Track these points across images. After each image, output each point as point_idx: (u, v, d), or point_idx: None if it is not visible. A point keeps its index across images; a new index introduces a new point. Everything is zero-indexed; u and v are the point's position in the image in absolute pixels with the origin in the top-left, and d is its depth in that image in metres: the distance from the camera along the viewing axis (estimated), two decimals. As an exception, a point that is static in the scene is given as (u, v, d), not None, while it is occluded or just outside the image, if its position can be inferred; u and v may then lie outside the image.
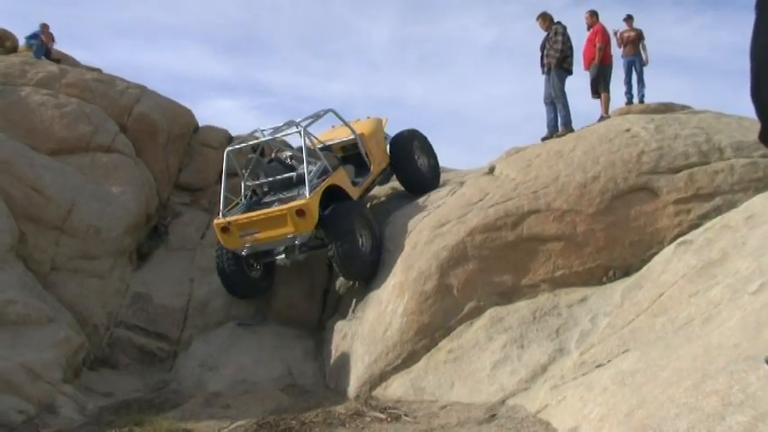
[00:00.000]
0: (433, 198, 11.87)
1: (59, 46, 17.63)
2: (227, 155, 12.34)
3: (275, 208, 11.22)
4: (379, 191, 14.49)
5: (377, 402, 8.83)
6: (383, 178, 14.10)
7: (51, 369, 9.30)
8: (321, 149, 12.19)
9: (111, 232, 12.27)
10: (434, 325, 9.34)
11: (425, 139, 14.18)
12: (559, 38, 13.35)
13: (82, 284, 11.60)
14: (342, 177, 12.08)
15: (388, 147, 13.85)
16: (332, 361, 10.60)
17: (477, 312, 9.29)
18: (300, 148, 11.76)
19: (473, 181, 11.84)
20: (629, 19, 15.19)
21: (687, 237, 8.85)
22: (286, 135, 12.63)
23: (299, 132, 11.75)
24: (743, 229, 7.96)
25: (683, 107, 13.22)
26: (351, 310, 11.06)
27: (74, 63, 17.23)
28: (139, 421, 8.40)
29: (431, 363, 9.04)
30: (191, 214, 14.92)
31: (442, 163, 14.61)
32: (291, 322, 12.03)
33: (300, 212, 10.83)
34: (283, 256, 11.72)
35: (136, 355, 11.64)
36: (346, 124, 13.10)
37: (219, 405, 9.53)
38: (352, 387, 9.52)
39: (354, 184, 12.43)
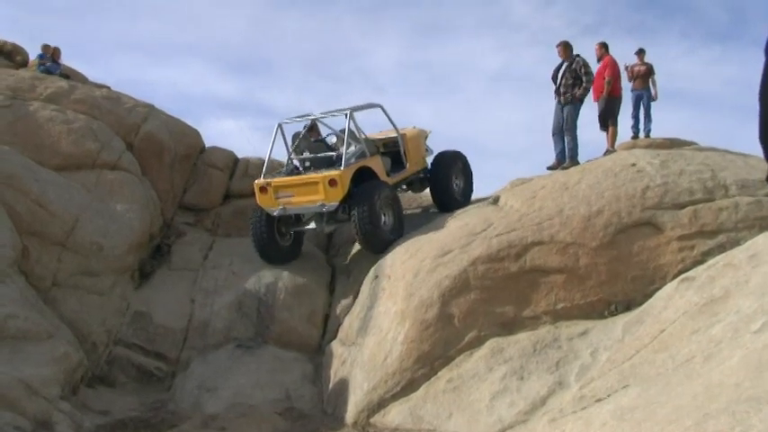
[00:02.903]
0: (436, 226, 11.85)
1: (68, 61, 17.73)
2: (279, 126, 13.32)
3: (311, 175, 12.47)
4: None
5: (375, 429, 8.82)
6: (419, 187, 15.06)
7: (49, 385, 9.27)
8: (363, 138, 13.23)
9: (115, 250, 12.25)
10: (434, 354, 9.32)
11: (467, 162, 14.98)
12: (590, 69, 13.35)
13: (82, 301, 11.58)
14: (377, 163, 13.10)
15: (428, 157, 14.81)
16: (330, 386, 10.57)
17: (477, 342, 9.28)
18: (344, 130, 12.70)
19: (477, 210, 11.85)
20: (640, 53, 15.23)
21: (690, 273, 8.83)
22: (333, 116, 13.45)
23: (346, 115, 12.70)
24: (746, 268, 7.94)
25: (689, 143, 13.25)
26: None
27: (83, 79, 17.30)
28: (135, 441, 8.39)
29: (430, 391, 9.01)
30: (194, 234, 14.92)
31: None
32: (291, 346, 11.97)
33: (333, 182, 11.90)
34: (313, 224, 13.05)
35: (134, 373, 11.60)
36: (390, 121, 13.88)
37: (216, 427, 9.52)
38: (351, 413, 9.50)
39: (387, 174, 13.36)
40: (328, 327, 12.26)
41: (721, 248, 9.26)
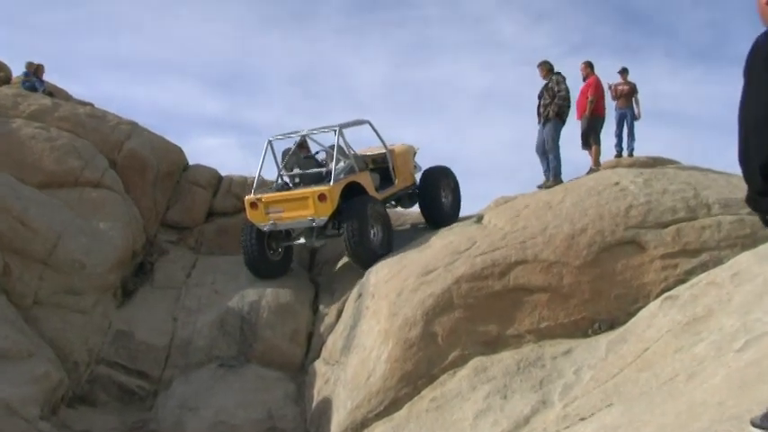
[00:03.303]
0: (421, 245, 11.84)
1: (51, 78, 17.65)
2: (269, 143, 13.59)
3: (300, 190, 12.72)
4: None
5: (358, 449, 8.76)
6: (408, 203, 15.20)
7: (29, 405, 9.20)
8: (352, 155, 13.50)
9: (97, 268, 12.19)
10: (418, 373, 9.28)
11: (455, 178, 15.18)
12: (563, 86, 13.42)
13: (64, 320, 11.52)
14: (365, 179, 13.32)
15: (416, 173, 15.09)
16: (314, 405, 10.52)
17: (461, 361, 9.24)
18: (333, 146, 13.04)
19: (461, 229, 11.85)
20: (623, 72, 15.28)
21: (673, 292, 8.84)
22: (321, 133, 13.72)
23: (335, 131, 13.01)
24: (728, 287, 7.96)
25: (672, 162, 13.30)
26: None
27: (66, 97, 17.24)
28: (116, 461, 8.31)
29: (413, 411, 8.96)
30: (177, 252, 14.87)
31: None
32: (274, 365, 11.93)
33: (322, 197, 12.18)
34: (303, 239, 13.49)
35: (115, 392, 11.51)
36: (379, 137, 14.20)
37: (198, 447, 9.45)
38: (334, 432, 9.45)
39: (376, 189, 13.55)
40: (312, 345, 12.23)
41: (704, 267, 9.27)
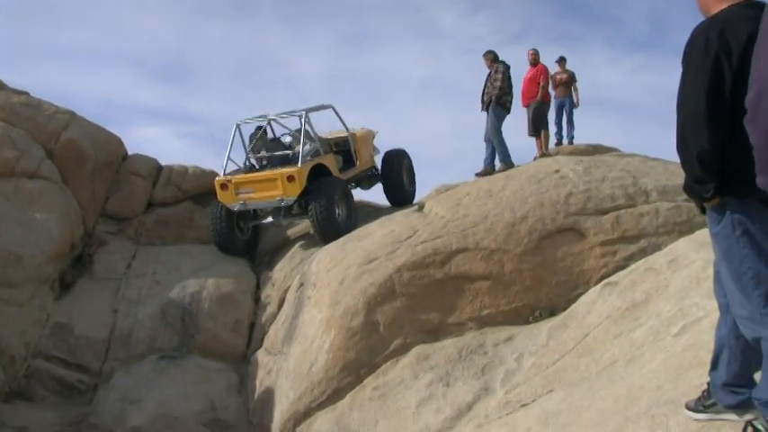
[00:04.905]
0: (362, 233, 11.82)
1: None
2: (237, 126, 14.18)
3: (269, 171, 13.35)
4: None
5: (301, 439, 8.72)
6: (367, 185, 16.11)
7: (-38, 401, 9.00)
8: (317, 138, 14.27)
9: (34, 260, 11.92)
10: (360, 362, 9.24)
11: (411, 160, 16.12)
12: (499, 75, 13.59)
13: (0, 313, 11.25)
14: (330, 161, 14.09)
15: (376, 156, 16.12)
16: (256, 396, 10.44)
17: (403, 350, 9.22)
18: (299, 131, 13.72)
19: (402, 218, 11.85)
20: (561, 61, 15.46)
21: (612, 278, 8.94)
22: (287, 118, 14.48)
23: (300, 117, 13.77)
24: (666, 272, 8.07)
25: (611, 149, 13.46)
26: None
27: (1, 85, 16.85)
28: (55, 457, 8.16)
29: (356, 400, 8.93)
30: (117, 244, 14.64)
31: (371, 199, 16.34)
32: (216, 356, 11.82)
33: (291, 178, 12.82)
34: (270, 218, 14.27)
35: (54, 387, 11.28)
36: (341, 121, 15.02)
37: (139, 440, 9.32)
38: (276, 423, 9.37)
39: (340, 171, 14.36)
40: (253, 335, 12.14)
41: (643, 253, 9.39)
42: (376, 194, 15.98)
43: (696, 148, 3.51)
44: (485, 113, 13.89)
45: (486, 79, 13.87)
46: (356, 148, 15.10)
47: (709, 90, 3.46)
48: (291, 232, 14.87)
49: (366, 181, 16.01)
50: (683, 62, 3.65)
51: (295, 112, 14.01)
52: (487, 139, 13.79)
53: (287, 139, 14.64)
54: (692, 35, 3.61)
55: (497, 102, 13.52)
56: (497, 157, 13.62)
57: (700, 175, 3.56)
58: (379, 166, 16.00)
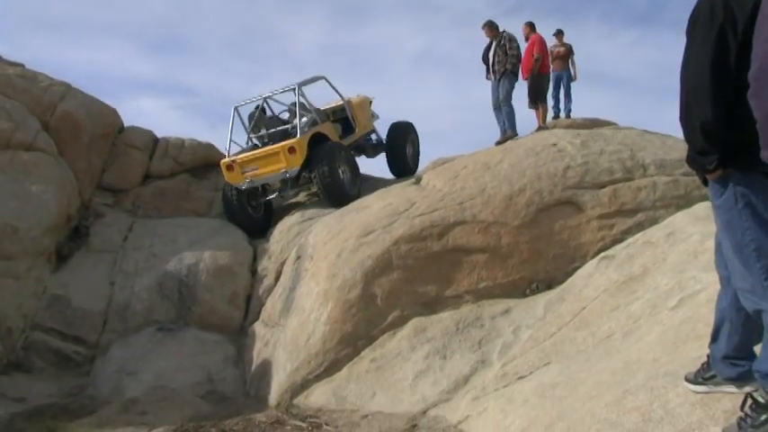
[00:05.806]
0: (360, 206, 11.81)
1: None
2: (235, 109, 14.65)
3: (271, 147, 13.73)
4: (304, 198, 14.61)
5: (298, 411, 8.72)
6: (372, 153, 16.67)
7: (-40, 373, 9.00)
8: (314, 109, 14.73)
9: (30, 232, 11.88)
10: (357, 334, 9.26)
11: (416, 133, 16.82)
12: (515, 44, 13.55)
13: (-4, 286, 11.24)
14: (329, 129, 14.57)
15: (374, 121, 16.84)
16: (253, 368, 10.45)
17: (400, 322, 9.24)
18: (295, 104, 14.16)
19: (400, 191, 11.83)
20: (558, 34, 15.40)
21: (609, 252, 8.96)
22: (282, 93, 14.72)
23: (294, 90, 14.07)
24: (663, 246, 8.08)
25: (609, 123, 13.44)
26: None
27: (-5, 58, 16.77)
28: (53, 428, 8.16)
29: (353, 372, 8.95)
30: (113, 216, 14.58)
31: (368, 172, 16.18)
32: (213, 328, 11.81)
33: (292, 150, 13.26)
34: (277, 193, 14.59)
35: (52, 359, 11.27)
36: (335, 90, 15.45)
37: (137, 411, 9.29)
38: (274, 395, 9.39)
39: (340, 138, 14.85)
40: (251, 308, 12.13)
41: (640, 227, 9.40)
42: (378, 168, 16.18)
43: (699, 119, 3.48)
44: (492, 83, 13.86)
45: (494, 49, 13.78)
46: (353, 114, 15.58)
47: (714, 61, 3.42)
48: (288, 204, 14.88)
49: (371, 149, 16.56)
50: (687, 33, 3.61)
51: (288, 87, 14.24)
52: (497, 107, 13.78)
53: (285, 116, 15.18)
54: (696, 6, 3.57)
55: (513, 71, 13.56)
56: (506, 124, 13.63)
57: (703, 147, 3.53)
58: (383, 135, 16.51)
